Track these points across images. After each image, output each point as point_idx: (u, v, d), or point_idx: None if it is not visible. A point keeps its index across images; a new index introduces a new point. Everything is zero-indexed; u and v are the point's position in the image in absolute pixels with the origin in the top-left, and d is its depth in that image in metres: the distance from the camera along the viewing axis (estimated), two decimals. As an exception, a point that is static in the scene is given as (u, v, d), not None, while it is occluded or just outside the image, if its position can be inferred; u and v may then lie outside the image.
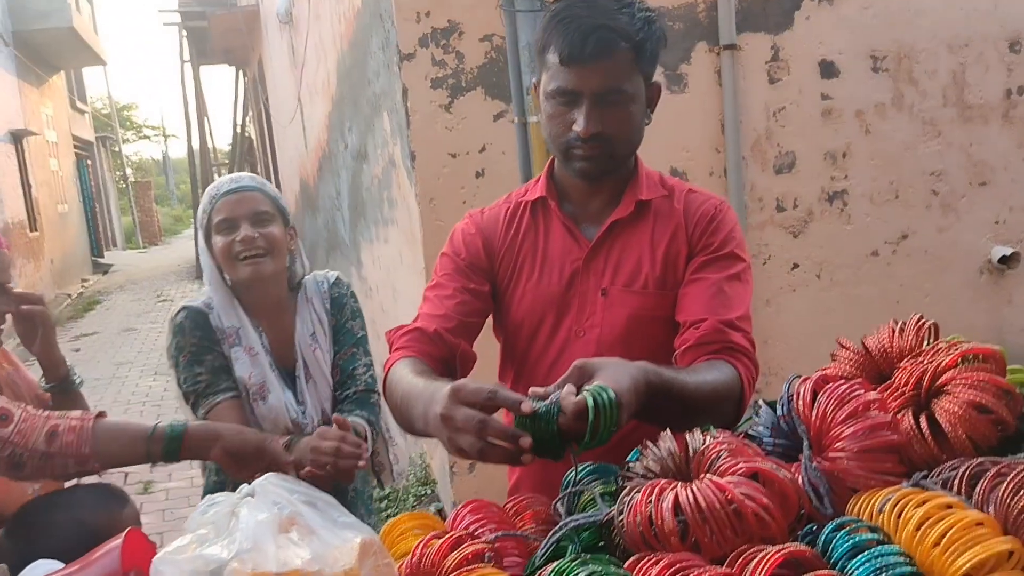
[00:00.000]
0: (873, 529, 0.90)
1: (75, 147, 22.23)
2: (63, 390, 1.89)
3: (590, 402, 1.05)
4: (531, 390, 1.13)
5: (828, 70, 4.09)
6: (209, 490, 2.01)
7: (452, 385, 1.13)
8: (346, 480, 1.68)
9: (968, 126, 4.26)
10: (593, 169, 1.53)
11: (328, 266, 8.12)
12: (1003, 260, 4.30)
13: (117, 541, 1.09)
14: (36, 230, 15.86)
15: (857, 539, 0.88)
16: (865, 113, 4.14)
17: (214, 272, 1.97)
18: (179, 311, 1.97)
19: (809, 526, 0.95)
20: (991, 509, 0.88)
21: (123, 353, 10.11)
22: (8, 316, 1.81)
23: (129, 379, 8.60)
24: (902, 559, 0.84)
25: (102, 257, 22.84)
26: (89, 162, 24.53)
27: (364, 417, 1.99)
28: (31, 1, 15.88)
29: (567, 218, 1.62)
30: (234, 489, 1.79)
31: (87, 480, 1.75)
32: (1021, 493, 0.86)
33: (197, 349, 1.92)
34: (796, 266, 4.22)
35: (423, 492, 4.45)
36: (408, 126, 3.71)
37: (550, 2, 3.29)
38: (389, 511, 4.34)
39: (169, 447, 1.60)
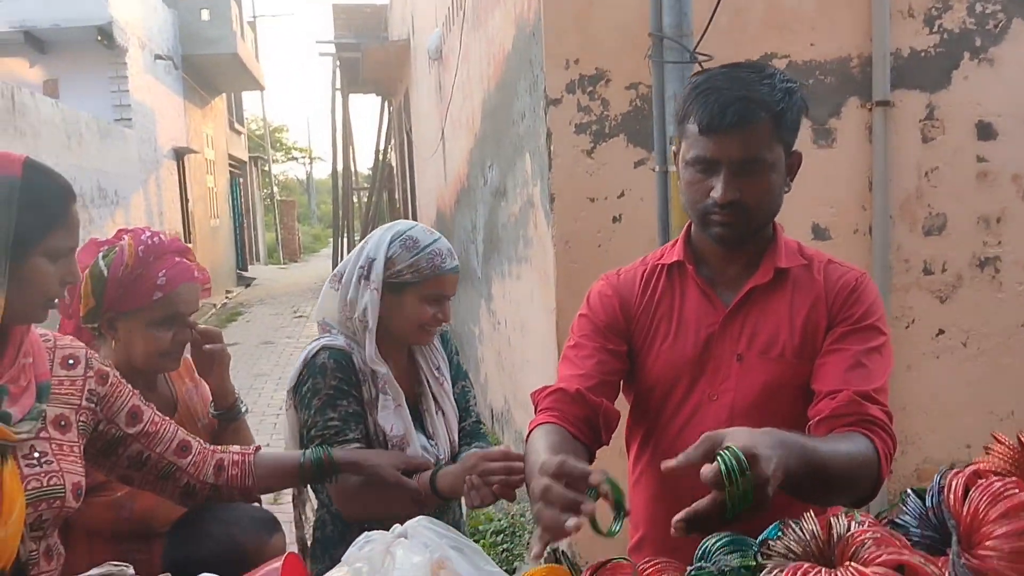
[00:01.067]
0: (1023, 636, 0.88)
1: (230, 165, 23.64)
2: (230, 418, 2.01)
3: (721, 467, 1.08)
4: (663, 465, 1.16)
5: (985, 131, 3.94)
6: (324, 540, 2.02)
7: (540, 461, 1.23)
8: (509, 498, 1.74)
9: None
10: (730, 235, 1.54)
11: (458, 295, 8.33)
12: None
13: (276, 564, 1.17)
14: (190, 242, 16.90)
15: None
16: (1023, 178, 3.96)
17: (376, 321, 1.92)
18: (319, 351, 1.92)
19: (954, 624, 0.94)
20: None
21: (260, 365, 10.61)
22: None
23: (265, 391, 9.02)
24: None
25: (246, 270, 24.08)
26: (241, 180, 25.99)
27: (481, 448, 2.05)
28: (200, 28, 17.10)
29: (704, 282, 1.63)
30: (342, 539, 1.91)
31: None
32: None
33: (334, 392, 1.89)
34: (941, 332, 4.05)
35: (538, 529, 4.48)
36: (550, 168, 3.80)
37: (698, 59, 3.33)
38: (505, 545, 4.39)
39: (317, 473, 1.75)
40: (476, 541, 4.40)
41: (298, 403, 1.92)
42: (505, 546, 4.34)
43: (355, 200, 21.84)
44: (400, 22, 13.33)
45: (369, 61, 13.58)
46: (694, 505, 1.12)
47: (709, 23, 3.13)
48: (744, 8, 3.74)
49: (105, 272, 1.74)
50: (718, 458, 1.10)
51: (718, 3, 3.08)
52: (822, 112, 3.88)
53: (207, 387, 2.03)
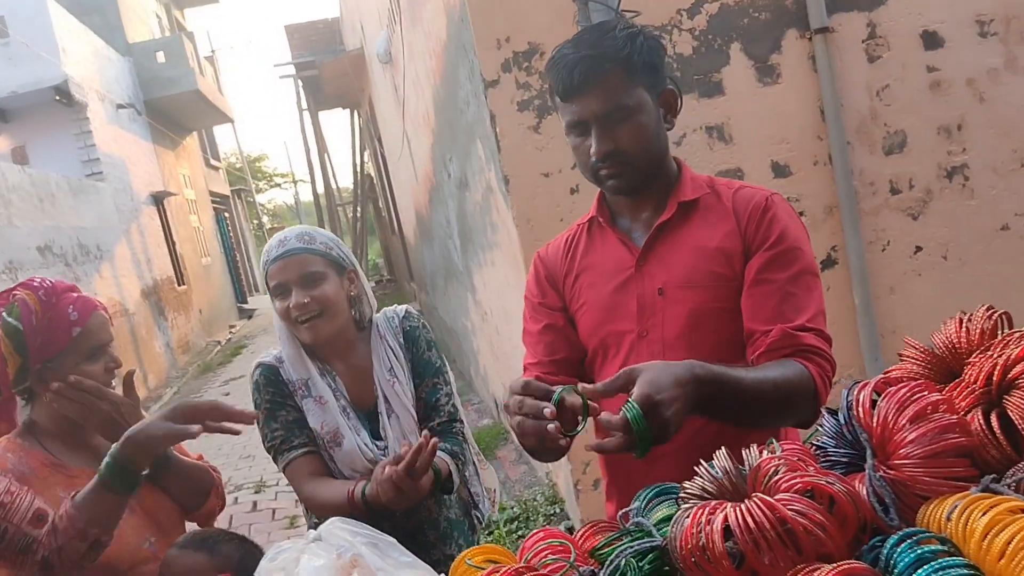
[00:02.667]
0: (942, 540, 0.85)
1: (213, 202, 23.60)
2: None
3: (628, 415, 1.19)
4: (581, 385, 1.26)
5: (931, 41, 3.88)
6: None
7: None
8: (408, 502, 1.73)
9: (1096, 79, 3.95)
10: (622, 184, 1.60)
11: (447, 292, 8.30)
12: None
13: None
14: (183, 283, 16.90)
15: (920, 551, 0.83)
16: (977, 81, 3.91)
17: (283, 327, 2.00)
18: (255, 368, 2.02)
19: (875, 539, 0.91)
20: (1068, 512, 0.81)
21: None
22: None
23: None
24: (966, 572, 0.79)
25: (246, 303, 24.08)
26: (227, 214, 25.96)
27: (447, 450, 1.99)
28: (158, 70, 17.06)
29: (619, 231, 1.69)
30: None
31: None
32: (1100, 493, 0.79)
33: (271, 406, 1.97)
34: (919, 249, 4.01)
35: (552, 511, 4.46)
36: (499, 151, 3.76)
37: (625, 15, 3.28)
38: (520, 532, 4.37)
39: (115, 477, 1.59)
40: (491, 532, 4.40)
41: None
42: (520, 533, 4.32)
43: (342, 216, 21.82)
44: (352, 32, 13.27)
45: (328, 75, 13.53)
46: (604, 444, 1.23)
47: (626, -23, 3.08)
48: (666, -43, 3.69)
49: (19, 325, 1.70)
50: (623, 409, 1.18)
51: (630, -44, 3.04)
52: (762, 49, 3.83)
53: None
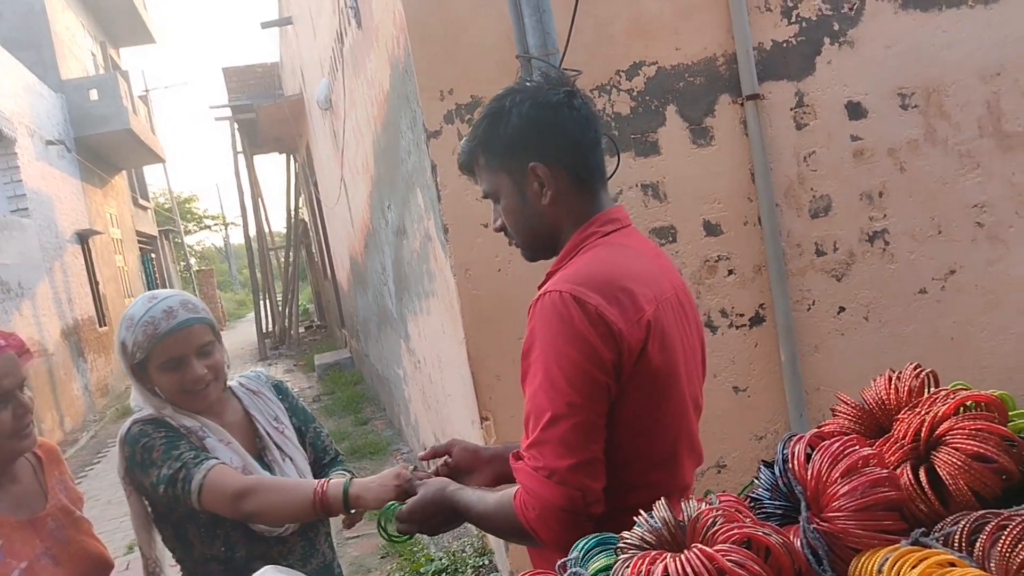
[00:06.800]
0: (873, 591, 0.88)
1: (139, 242, 23.06)
2: None
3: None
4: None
5: (855, 111, 4.07)
6: None
7: None
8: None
9: (1008, 155, 4.17)
10: (522, 254, 1.67)
11: (380, 340, 8.23)
12: (1059, 288, 4.16)
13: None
14: (105, 324, 16.40)
15: (853, 603, 0.86)
16: (898, 151, 4.09)
17: (148, 396, 1.94)
18: (130, 426, 1.92)
19: (809, 591, 0.93)
20: (992, 564, 0.85)
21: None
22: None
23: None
24: (898, 623, 0.82)
25: (169, 346, 23.39)
26: (153, 255, 25.38)
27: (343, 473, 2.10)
28: (90, 107, 16.74)
29: None
30: None
31: None
32: (1020, 546, 0.83)
33: (167, 441, 1.87)
34: (842, 309, 4.15)
35: (480, 563, 4.41)
36: (439, 200, 3.79)
37: (569, 70, 3.36)
38: (449, 585, 4.31)
39: None
40: (419, 584, 4.32)
41: (138, 476, 1.89)
42: (449, 585, 4.26)
43: (274, 260, 21.54)
44: (291, 78, 13.26)
45: (265, 120, 13.46)
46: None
47: (568, 40, 3.17)
48: (606, 21, 3.81)
49: None
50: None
51: (572, 20, 3.13)
52: (697, 112, 3.96)
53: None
